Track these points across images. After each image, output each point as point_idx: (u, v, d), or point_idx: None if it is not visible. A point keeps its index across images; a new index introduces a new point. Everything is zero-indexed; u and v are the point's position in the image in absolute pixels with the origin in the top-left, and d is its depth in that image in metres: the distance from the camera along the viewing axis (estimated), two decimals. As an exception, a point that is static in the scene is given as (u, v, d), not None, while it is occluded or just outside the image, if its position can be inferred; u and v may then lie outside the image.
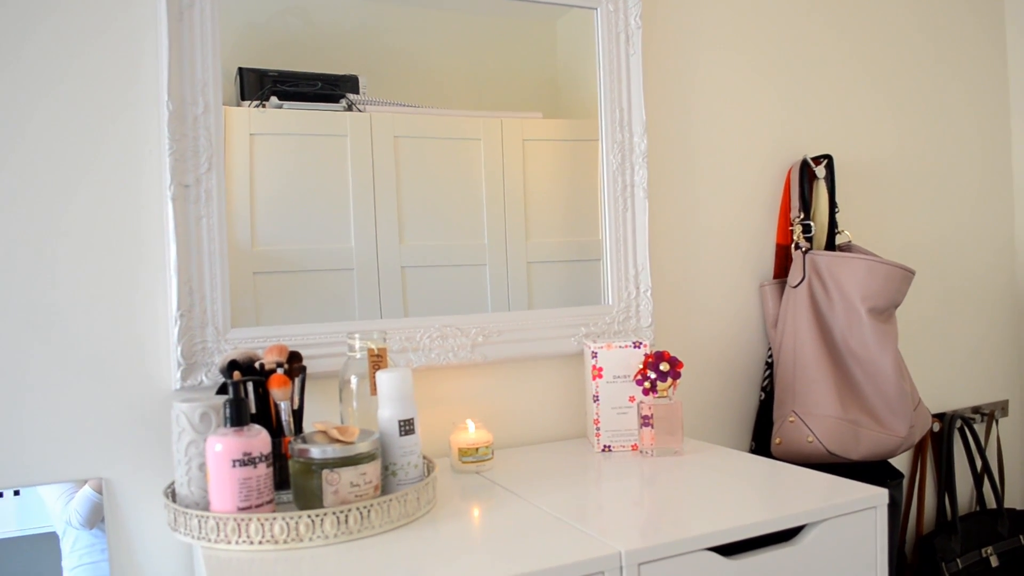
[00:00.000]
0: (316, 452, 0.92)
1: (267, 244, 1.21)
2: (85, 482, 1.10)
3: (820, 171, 1.61)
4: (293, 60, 1.24)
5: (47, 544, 1.08)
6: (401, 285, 1.29)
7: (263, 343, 1.15)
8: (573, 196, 1.44)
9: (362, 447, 0.93)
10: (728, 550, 0.91)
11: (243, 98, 1.20)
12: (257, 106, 1.21)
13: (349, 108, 1.27)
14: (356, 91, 1.27)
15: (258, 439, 0.91)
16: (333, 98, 1.26)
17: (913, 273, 1.51)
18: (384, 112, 1.29)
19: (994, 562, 1.76)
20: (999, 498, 1.87)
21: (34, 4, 1.09)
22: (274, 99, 1.22)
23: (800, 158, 1.63)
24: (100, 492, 1.10)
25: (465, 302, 1.34)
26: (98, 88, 1.12)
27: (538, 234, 1.41)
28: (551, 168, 1.43)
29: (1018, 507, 1.97)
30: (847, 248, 1.61)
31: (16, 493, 1.07)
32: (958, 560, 1.72)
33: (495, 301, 1.36)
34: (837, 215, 1.62)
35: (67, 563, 1.09)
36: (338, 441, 0.93)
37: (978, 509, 1.90)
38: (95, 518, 1.10)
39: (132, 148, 1.13)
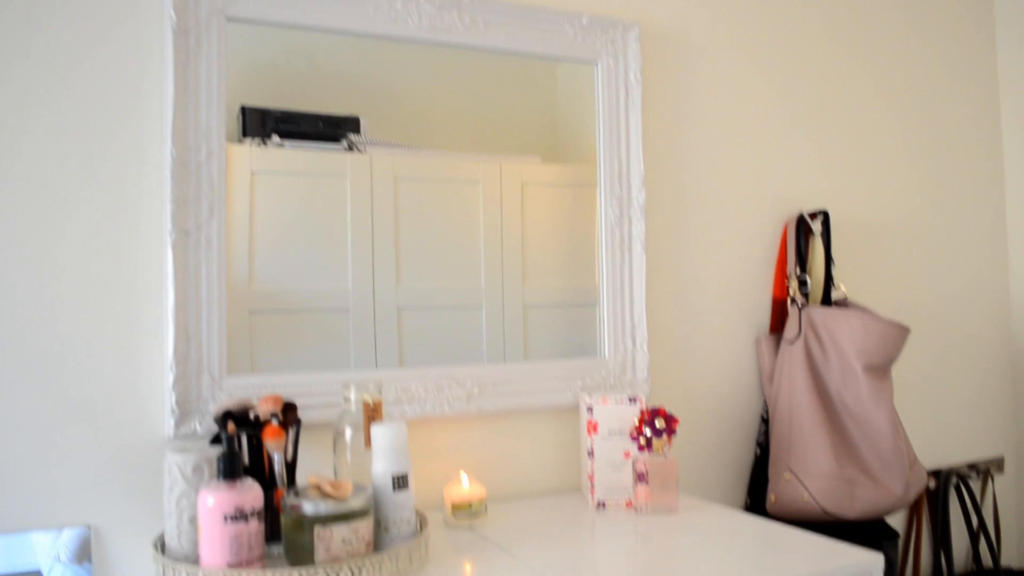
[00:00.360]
0: (308, 507, 0.91)
1: (265, 283, 1.21)
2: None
3: (816, 226, 1.63)
4: (296, 100, 1.26)
5: (30, 586, 1.07)
6: (397, 326, 1.29)
7: (259, 391, 1.14)
8: (570, 240, 1.45)
9: (355, 503, 0.93)
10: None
11: (245, 135, 1.21)
12: (259, 144, 1.21)
13: (350, 148, 1.28)
14: (357, 132, 1.28)
15: (251, 494, 0.90)
16: (334, 138, 1.27)
17: (908, 330, 1.52)
18: (384, 153, 1.30)
19: (990, 624, 1.74)
20: (995, 557, 1.85)
21: (32, 28, 1.08)
22: (275, 137, 1.22)
23: (797, 213, 1.64)
24: (89, 527, 1.09)
25: (461, 345, 1.34)
26: (98, 124, 1.11)
27: (535, 277, 1.41)
28: (549, 212, 1.44)
29: (1015, 566, 1.95)
30: (843, 303, 1.61)
31: None
32: (954, 621, 1.71)
33: (491, 344, 1.36)
34: (833, 270, 1.62)
35: (50, 607, 1.07)
36: (331, 496, 0.92)
37: (974, 568, 1.88)
38: (83, 554, 1.08)
39: (132, 188, 1.13)
